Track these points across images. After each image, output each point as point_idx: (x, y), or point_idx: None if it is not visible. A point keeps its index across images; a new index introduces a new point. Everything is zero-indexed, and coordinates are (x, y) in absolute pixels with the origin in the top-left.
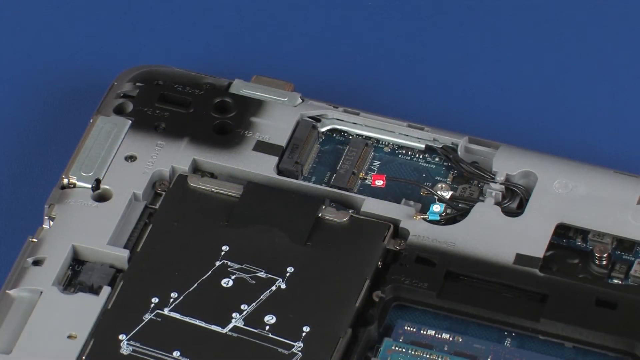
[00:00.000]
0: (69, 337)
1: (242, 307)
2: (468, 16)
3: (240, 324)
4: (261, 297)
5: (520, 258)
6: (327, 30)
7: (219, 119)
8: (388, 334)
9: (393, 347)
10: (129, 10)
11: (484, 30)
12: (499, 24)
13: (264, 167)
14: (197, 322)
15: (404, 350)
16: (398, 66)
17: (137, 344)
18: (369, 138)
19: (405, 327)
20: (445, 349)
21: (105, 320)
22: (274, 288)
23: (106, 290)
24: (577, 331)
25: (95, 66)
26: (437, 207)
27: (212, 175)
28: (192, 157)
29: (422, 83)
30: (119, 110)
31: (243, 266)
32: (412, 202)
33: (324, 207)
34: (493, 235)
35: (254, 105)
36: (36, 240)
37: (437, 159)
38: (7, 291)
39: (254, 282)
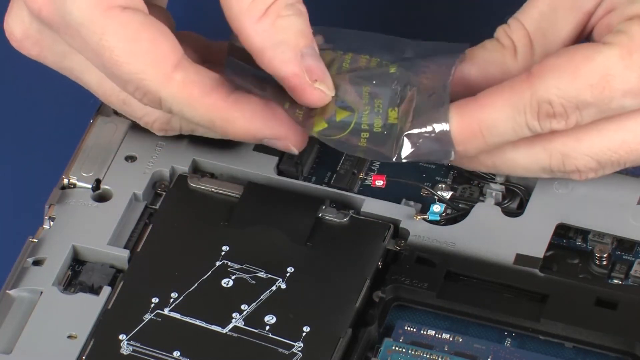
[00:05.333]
0: (69, 337)
1: (242, 307)
2: (469, 16)
3: (241, 324)
4: (261, 297)
5: (520, 258)
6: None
7: None
8: (388, 334)
9: (393, 347)
10: None
11: (484, 29)
12: (500, 24)
13: (264, 167)
14: (197, 322)
15: (404, 350)
16: None
17: (137, 344)
18: None
19: (406, 327)
20: (445, 349)
21: (105, 320)
22: (274, 288)
23: (106, 290)
24: (577, 331)
25: None
26: (437, 207)
27: (212, 176)
28: (192, 157)
29: None
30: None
31: (243, 266)
32: (412, 203)
33: (324, 207)
34: (493, 235)
35: None
36: (36, 240)
37: None
38: (7, 291)
39: (254, 282)
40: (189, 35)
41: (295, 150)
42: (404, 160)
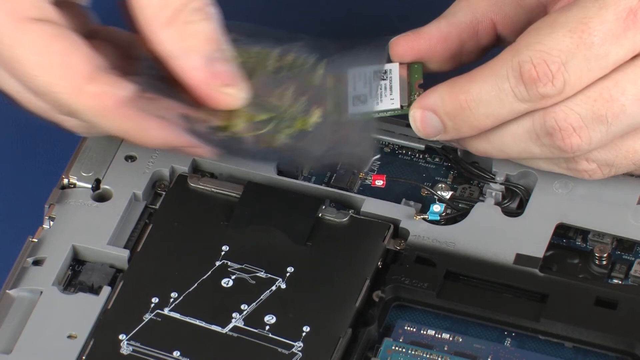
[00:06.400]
0: (69, 337)
1: (242, 307)
2: None
3: (240, 324)
4: (261, 297)
5: (520, 258)
6: (327, 29)
7: None
8: (388, 334)
9: (393, 347)
10: None
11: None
12: None
13: (264, 167)
14: (197, 322)
15: (404, 350)
16: None
17: (137, 344)
18: None
19: (405, 327)
20: (445, 349)
21: (105, 320)
22: (274, 288)
23: (106, 290)
24: (577, 331)
25: None
26: (437, 207)
27: (212, 175)
28: (192, 157)
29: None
30: None
31: (243, 266)
32: (412, 202)
33: (324, 207)
34: (493, 235)
35: None
36: (36, 240)
37: (437, 159)
38: (7, 291)
39: (254, 282)
40: (111, 31)
41: (210, 157)
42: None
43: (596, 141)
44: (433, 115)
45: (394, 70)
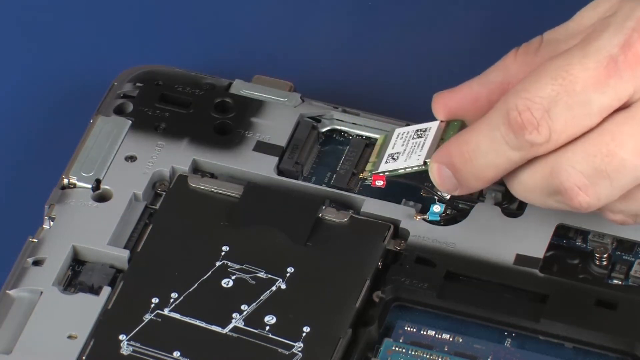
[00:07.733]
0: (69, 337)
1: (242, 307)
2: (468, 16)
3: (241, 324)
4: (261, 297)
5: (520, 258)
6: (327, 30)
7: (219, 119)
8: (388, 334)
9: (393, 348)
10: (129, 10)
11: (484, 29)
12: (500, 25)
13: (264, 168)
14: (197, 322)
15: (404, 350)
16: (398, 66)
17: (137, 344)
18: (369, 138)
19: (406, 328)
20: (446, 349)
21: (105, 320)
22: (274, 288)
23: (106, 290)
24: (577, 331)
25: (95, 66)
26: (437, 208)
27: (212, 176)
28: (192, 157)
29: (422, 83)
30: (119, 111)
31: (243, 266)
32: (412, 203)
33: (324, 207)
34: (493, 236)
35: (254, 106)
36: (36, 240)
37: None
38: (7, 291)
39: (254, 283)
40: None
41: None
42: None
43: (605, 196)
44: (447, 169)
45: (433, 128)
